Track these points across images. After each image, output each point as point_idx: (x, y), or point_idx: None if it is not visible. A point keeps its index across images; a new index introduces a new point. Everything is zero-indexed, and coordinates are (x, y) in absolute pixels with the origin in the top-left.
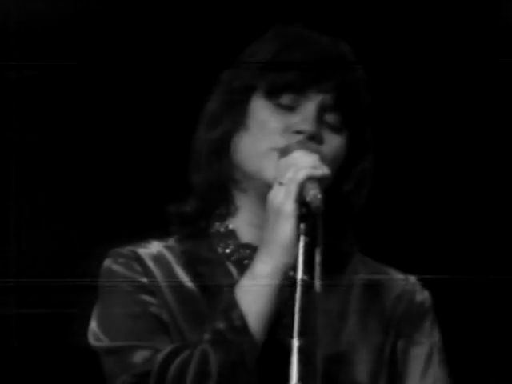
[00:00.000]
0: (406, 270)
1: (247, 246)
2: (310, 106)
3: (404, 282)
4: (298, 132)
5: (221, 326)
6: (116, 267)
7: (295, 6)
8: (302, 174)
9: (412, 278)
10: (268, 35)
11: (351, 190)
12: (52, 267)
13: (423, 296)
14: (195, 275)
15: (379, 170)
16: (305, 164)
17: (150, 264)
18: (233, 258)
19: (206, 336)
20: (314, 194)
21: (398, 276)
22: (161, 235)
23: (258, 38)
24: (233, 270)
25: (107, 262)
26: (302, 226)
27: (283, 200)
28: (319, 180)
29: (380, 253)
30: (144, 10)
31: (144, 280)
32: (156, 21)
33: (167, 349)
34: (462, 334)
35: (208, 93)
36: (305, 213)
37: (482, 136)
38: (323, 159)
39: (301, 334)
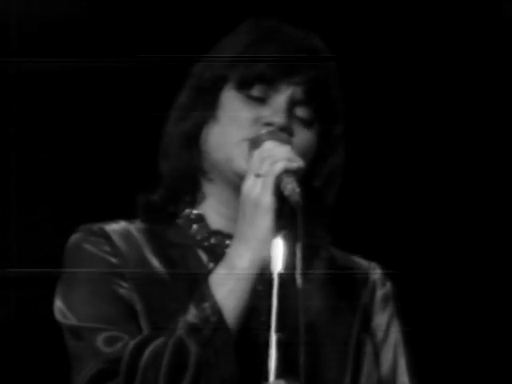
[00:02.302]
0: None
1: (218, 232)
2: (280, 99)
3: (368, 273)
4: (268, 124)
5: (195, 319)
6: (86, 245)
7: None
8: (278, 167)
9: (377, 269)
10: (241, 28)
11: (321, 186)
12: (49, 257)
13: (385, 289)
14: (164, 259)
15: (352, 164)
16: (280, 156)
17: (120, 243)
18: (204, 244)
19: (181, 328)
20: (292, 187)
21: (364, 265)
22: (129, 217)
23: (230, 31)
24: (203, 256)
25: (76, 238)
26: (281, 220)
27: (260, 193)
28: (295, 172)
29: (349, 242)
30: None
31: (119, 263)
32: (136, 15)
33: (140, 336)
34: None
35: (179, 85)
36: (283, 207)
37: (457, 130)
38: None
39: (279, 329)
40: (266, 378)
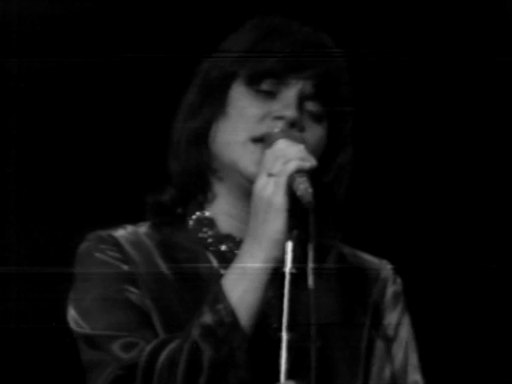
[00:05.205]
0: (382, 255)
1: (228, 236)
2: (290, 93)
3: (379, 270)
4: (279, 118)
5: (210, 321)
6: (97, 254)
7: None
8: (291, 167)
9: (387, 267)
10: (247, 26)
11: (330, 182)
12: (49, 256)
13: (395, 286)
14: (174, 263)
15: (361, 161)
16: (293, 155)
17: (130, 250)
18: (213, 248)
19: (195, 331)
20: (304, 188)
21: (374, 263)
22: (136, 221)
23: (235, 29)
24: (213, 259)
25: (86, 247)
26: (293, 220)
27: (273, 193)
28: (307, 172)
29: (359, 239)
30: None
31: (130, 270)
32: (137, 14)
33: (155, 341)
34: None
35: (185, 84)
36: (295, 207)
37: (463, 126)
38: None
39: (290, 328)
40: (277, 379)
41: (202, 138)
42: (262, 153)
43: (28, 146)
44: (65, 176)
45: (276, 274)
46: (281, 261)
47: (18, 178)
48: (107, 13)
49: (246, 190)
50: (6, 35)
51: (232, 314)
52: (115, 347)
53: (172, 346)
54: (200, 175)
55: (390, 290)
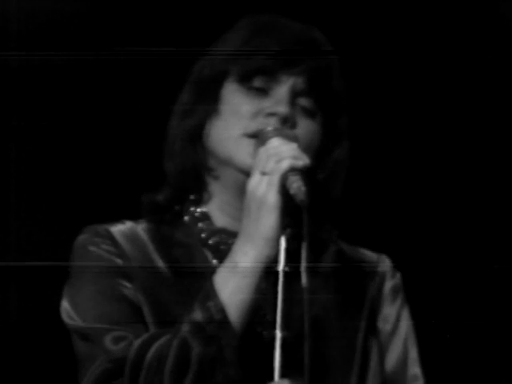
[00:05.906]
0: (381, 251)
1: (222, 230)
2: (282, 89)
3: (377, 264)
4: (271, 114)
5: (199, 317)
6: (92, 247)
7: None
8: (284, 165)
9: (386, 261)
10: (239, 24)
11: (325, 178)
12: (49, 250)
13: (394, 280)
14: (170, 259)
15: (358, 157)
16: (286, 154)
17: (125, 244)
18: (209, 242)
19: (185, 327)
20: (297, 186)
21: (373, 258)
22: (135, 217)
23: (228, 29)
24: (208, 254)
25: (82, 240)
26: (286, 218)
27: (266, 191)
28: (301, 171)
29: (356, 235)
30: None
31: (124, 264)
32: (134, 11)
33: (144, 336)
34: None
35: (181, 83)
36: (289, 205)
37: (457, 125)
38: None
39: (285, 328)
40: (269, 377)
41: (196, 137)
42: (257, 147)
43: (28, 142)
44: (65, 171)
45: (268, 272)
46: (274, 259)
47: (17, 174)
48: (106, 9)
49: (242, 186)
50: (6, 29)
51: (222, 311)
52: (107, 340)
53: (161, 341)
54: (195, 174)
55: (389, 283)
